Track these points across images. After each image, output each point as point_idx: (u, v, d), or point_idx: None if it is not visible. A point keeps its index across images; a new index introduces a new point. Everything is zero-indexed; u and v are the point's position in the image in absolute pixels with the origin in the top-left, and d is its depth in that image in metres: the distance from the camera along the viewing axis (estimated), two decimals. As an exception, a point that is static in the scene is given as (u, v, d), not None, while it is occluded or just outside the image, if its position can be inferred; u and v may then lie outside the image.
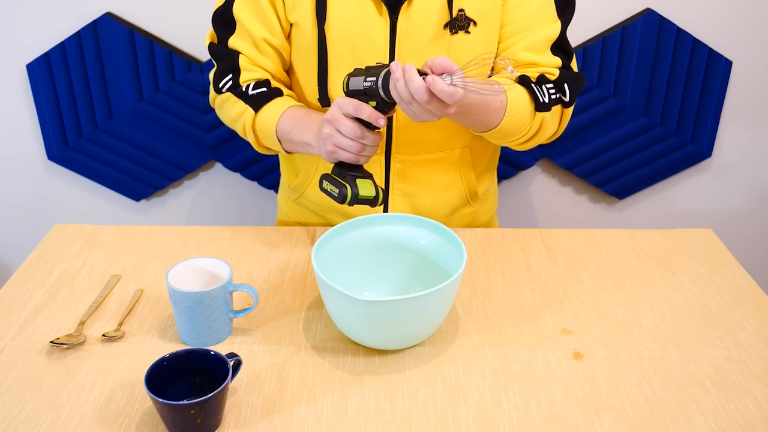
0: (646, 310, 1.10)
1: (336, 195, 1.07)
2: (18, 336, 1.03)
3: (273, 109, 1.19)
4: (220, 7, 1.21)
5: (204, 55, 1.72)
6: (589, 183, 1.85)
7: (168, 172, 1.84)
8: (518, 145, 1.20)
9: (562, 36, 1.18)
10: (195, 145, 1.80)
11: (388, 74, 1.00)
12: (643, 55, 1.68)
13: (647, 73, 1.70)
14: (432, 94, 0.95)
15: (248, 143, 1.77)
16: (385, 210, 1.28)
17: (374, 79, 1.02)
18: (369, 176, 1.09)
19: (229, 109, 1.23)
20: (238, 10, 1.19)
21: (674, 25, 1.65)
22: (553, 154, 1.81)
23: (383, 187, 1.27)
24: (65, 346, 1.00)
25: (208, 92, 1.73)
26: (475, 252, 1.24)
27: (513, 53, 1.18)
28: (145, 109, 1.75)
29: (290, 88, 1.28)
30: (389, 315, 0.92)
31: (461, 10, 1.14)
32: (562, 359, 0.99)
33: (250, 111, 1.20)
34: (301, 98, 1.26)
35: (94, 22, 1.66)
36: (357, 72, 1.06)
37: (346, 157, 1.07)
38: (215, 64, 1.24)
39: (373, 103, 1.04)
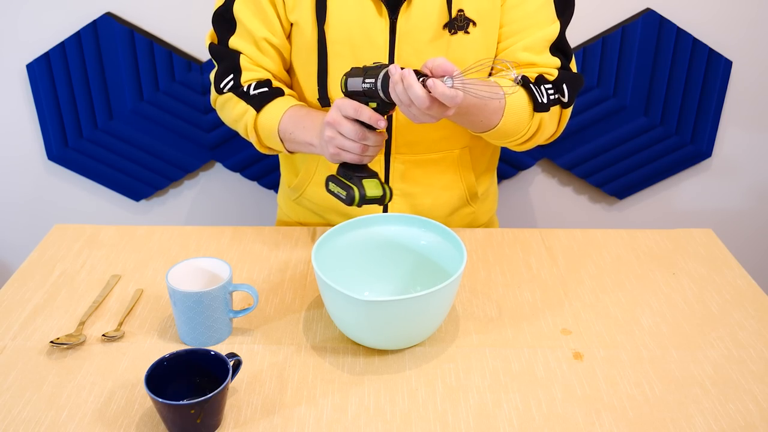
0: (646, 310, 1.10)
1: (344, 198, 1.07)
2: (18, 336, 1.03)
3: (275, 109, 1.18)
4: (220, 7, 1.21)
5: (204, 55, 1.72)
6: (589, 183, 1.85)
7: (168, 172, 1.84)
8: (517, 145, 1.20)
9: (561, 36, 1.18)
10: (195, 145, 1.80)
11: (387, 75, 0.99)
12: (643, 55, 1.68)
13: (647, 73, 1.70)
14: (433, 100, 0.95)
15: (248, 143, 1.77)
16: (385, 210, 1.28)
17: (373, 80, 1.01)
18: (374, 175, 1.09)
19: (231, 110, 1.23)
20: (238, 10, 1.19)
21: (674, 25, 1.65)
22: (553, 154, 1.81)
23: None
24: (65, 346, 1.00)
25: (208, 92, 1.73)
26: (475, 252, 1.24)
27: (512, 53, 1.18)
28: (145, 109, 1.75)
29: (291, 87, 1.28)
30: (389, 315, 0.92)
31: (460, 10, 1.14)
32: (562, 359, 0.99)
33: (252, 111, 1.20)
34: (301, 98, 1.26)
35: (94, 22, 1.66)
36: (354, 72, 1.06)
37: (350, 158, 1.07)
38: (216, 64, 1.23)
39: (373, 104, 1.04)
